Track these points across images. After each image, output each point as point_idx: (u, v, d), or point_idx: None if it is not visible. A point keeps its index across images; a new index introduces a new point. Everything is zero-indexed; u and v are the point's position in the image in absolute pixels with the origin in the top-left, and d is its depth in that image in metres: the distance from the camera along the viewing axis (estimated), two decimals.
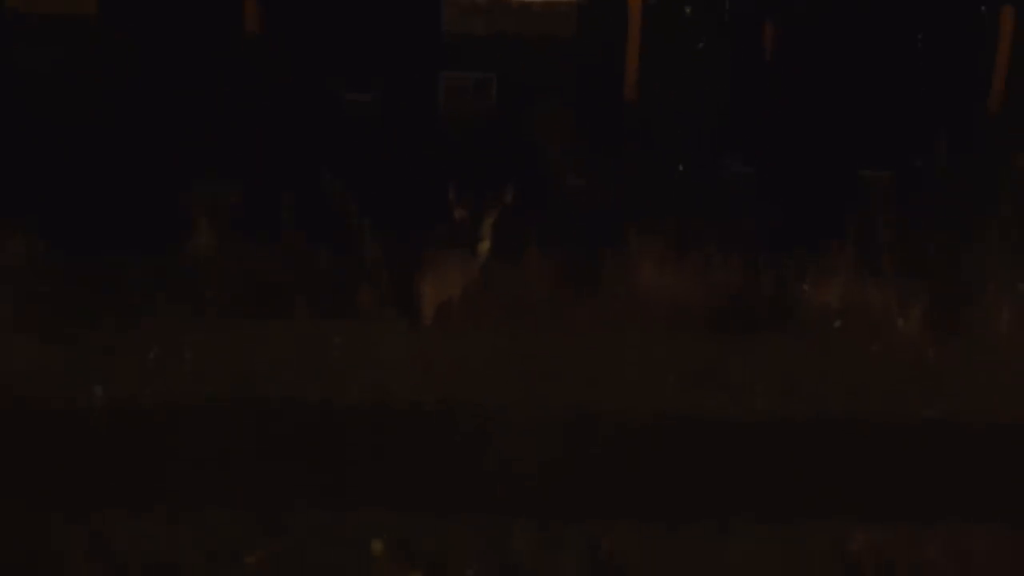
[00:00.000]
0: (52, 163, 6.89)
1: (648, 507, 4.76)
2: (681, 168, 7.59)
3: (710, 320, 6.64)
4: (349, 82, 7.31)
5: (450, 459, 4.97)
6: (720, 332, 6.46)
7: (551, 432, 5.16)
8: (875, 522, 4.69)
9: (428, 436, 5.17)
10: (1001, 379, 5.99)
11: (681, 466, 5.06)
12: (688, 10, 7.76)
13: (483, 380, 5.65)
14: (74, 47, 7.13)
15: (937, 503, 4.88)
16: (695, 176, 7.55)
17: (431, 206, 6.77)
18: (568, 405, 5.44)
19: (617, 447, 5.16)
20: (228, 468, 4.83)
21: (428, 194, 6.81)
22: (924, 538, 4.61)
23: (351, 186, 6.86)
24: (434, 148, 7.23)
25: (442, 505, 4.66)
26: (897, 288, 6.87)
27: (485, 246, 6.67)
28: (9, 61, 7.14)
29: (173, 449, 4.94)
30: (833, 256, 7.05)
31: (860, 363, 6.19)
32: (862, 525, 4.65)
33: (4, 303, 6.04)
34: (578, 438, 5.18)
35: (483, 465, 4.94)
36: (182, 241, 6.67)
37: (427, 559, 4.36)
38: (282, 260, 6.61)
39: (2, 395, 5.28)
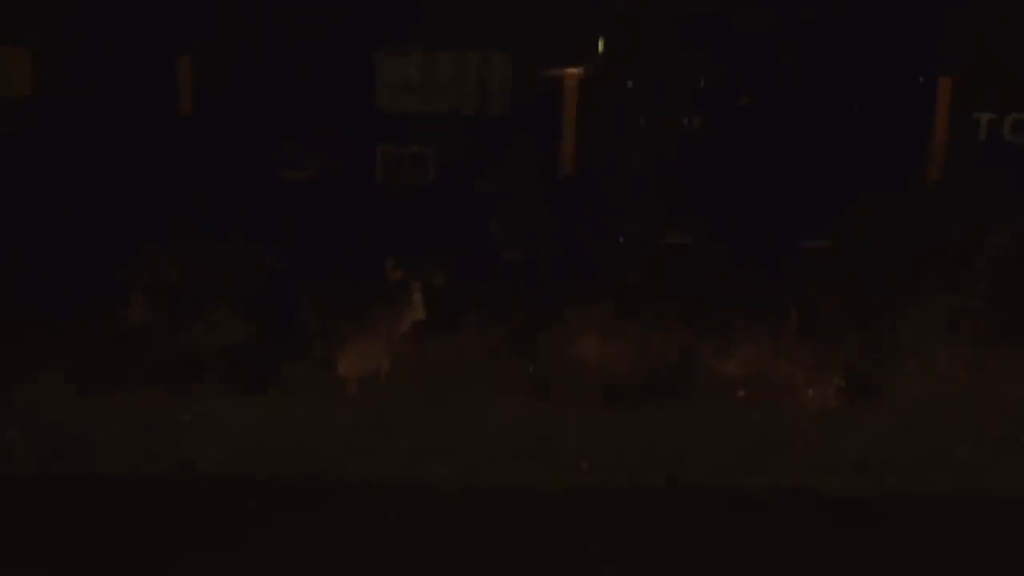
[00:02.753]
0: None
1: None
2: (620, 240, 7.68)
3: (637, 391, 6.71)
4: (285, 159, 7.48)
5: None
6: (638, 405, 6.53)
7: None
8: None
9: None
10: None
11: None
12: (629, 85, 7.91)
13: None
14: (11, 127, 7.35)
15: None
16: (633, 247, 7.63)
17: (367, 277, 6.89)
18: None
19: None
20: None
21: (364, 265, 6.93)
22: None
23: (287, 258, 7.00)
24: (371, 220, 7.36)
25: None
26: (829, 356, 6.93)
27: (418, 315, 6.78)
28: None
29: None
30: (769, 325, 7.12)
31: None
32: None
33: None
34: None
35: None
36: (117, 311, 6.80)
37: None
38: (214, 331, 6.74)
39: None
